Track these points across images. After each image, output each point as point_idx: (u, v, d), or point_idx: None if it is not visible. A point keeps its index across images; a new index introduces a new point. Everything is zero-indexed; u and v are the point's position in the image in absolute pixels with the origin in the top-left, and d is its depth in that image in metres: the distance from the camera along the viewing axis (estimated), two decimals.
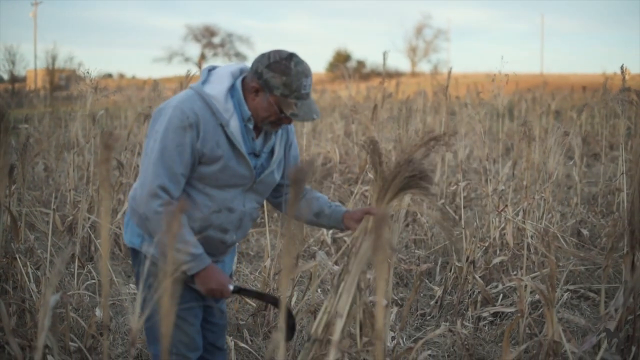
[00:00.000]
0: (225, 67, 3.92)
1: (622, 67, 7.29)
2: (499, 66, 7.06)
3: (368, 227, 3.69)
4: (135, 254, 4.00)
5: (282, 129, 4.04)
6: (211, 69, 3.92)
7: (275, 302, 4.08)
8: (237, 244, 4.38)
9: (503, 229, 7.29)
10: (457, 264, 6.82)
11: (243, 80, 3.87)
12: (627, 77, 7.62)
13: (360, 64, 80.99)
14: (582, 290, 6.84)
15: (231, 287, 3.80)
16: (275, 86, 3.71)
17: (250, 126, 3.84)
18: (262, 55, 3.80)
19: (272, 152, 4.00)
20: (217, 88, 3.78)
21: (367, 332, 4.53)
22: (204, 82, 3.83)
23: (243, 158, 3.80)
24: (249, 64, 3.94)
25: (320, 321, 3.57)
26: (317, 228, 8.65)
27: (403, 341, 5.83)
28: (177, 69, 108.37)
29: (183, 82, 8.11)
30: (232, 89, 3.82)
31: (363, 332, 4.26)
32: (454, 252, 7.09)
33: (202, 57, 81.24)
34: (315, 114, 3.80)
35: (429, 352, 5.31)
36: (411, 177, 3.75)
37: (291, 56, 3.76)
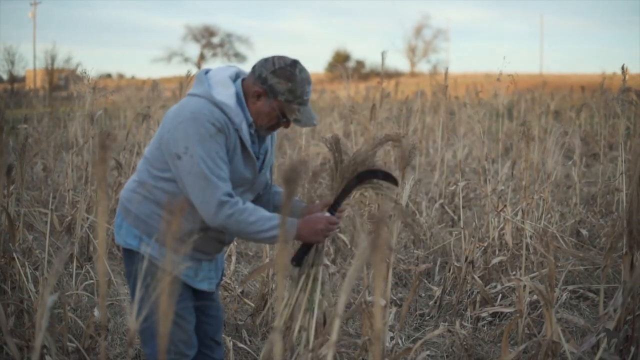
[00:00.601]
0: (221, 71, 3.97)
1: (622, 67, 7.29)
2: (501, 66, 7.06)
3: None
4: (131, 255, 4.02)
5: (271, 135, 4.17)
6: (207, 72, 3.97)
7: (387, 176, 4.05)
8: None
9: (502, 229, 7.28)
10: (456, 264, 6.82)
11: (242, 85, 3.93)
12: (627, 77, 7.62)
13: (360, 64, 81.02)
14: (581, 291, 6.84)
15: (326, 214, 3.88)
16: (280, 92, 3.81)
17: (252, 131, 3.93)
18: (266, 61, 3.88)
19: (265, 153, 4.10)
20: (226, 94, 3.85)
21: (365, 332, 4.53)
22: (210, 88, 3.85)
23: (252, 161, 3.92)
24: (245, 65, 3.99)
25: (282, 314, 3.59)
26: None
27: (402, 341, 5.83)
28: (177, 69, 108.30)
29: (182, 82, 8.11)
30: (237, 95, 3.89)
31: (362, 332, 4.27)
32: (452, 252, 7.09)
33: (202, 57, 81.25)
34: (314, 119, 3.94)
35: (428, 352, 5.30)
36: (366, 175, 3.90)
37: (295, 63, 3.87)
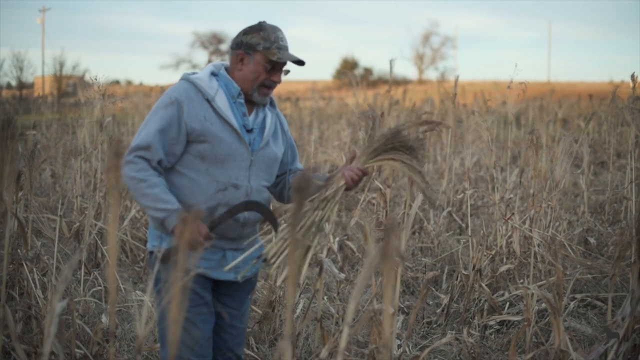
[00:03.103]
0: (212, 63, 4.24)
1: (632, 76, 7.28)
2: (511, 74, 7.05)
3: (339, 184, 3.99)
4: (152, 258, 4.15)
5: (272, 112, 4.27)
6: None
7: (253, 206, 4.06)
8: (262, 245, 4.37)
9: (510, 237, 7.27)
10: (463, 272, 6.81)
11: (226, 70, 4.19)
12: (637, 85, 7.62)
13: (368, 71, 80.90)
14: (589, 299, 6.83)
15: (205, 227, 3.84)
16: (256, 43, 4.05)
17: (241, 101, 4.10)
18: (236, 34, 4.16)
19: (263, 128, 4.19)
20: (201, 73, 4.11)
21: (373, 340, 4.53)
22: (188, 73, 4.16)
23: (234, 131, 4.01)
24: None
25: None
26: (323, 236, 8.64)
27: (409, 349, 5.83)
28: None
29: None
30: (215, 75, 4.13)
31: (370, 340, 4.26)
32: (460, 261, 7.08)
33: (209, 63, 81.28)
34: (297, 57, 4.13)
35: None
36: (396, 146, 3.91)
37: (260, 21, 4.15)
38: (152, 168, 3.87)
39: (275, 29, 4.10)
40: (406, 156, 3.93)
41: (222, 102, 4.01)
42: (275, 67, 4.08)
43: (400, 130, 3.91)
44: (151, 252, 4.10)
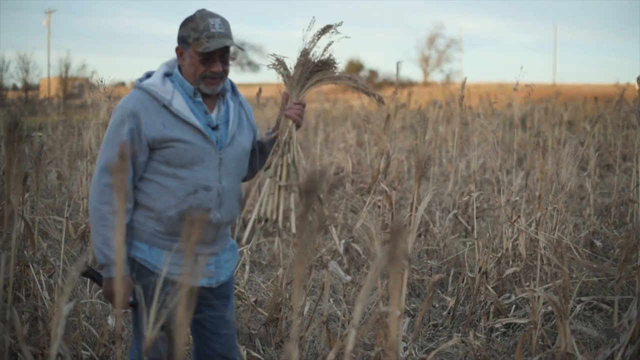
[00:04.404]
0: (163, 64, 4.07)
1: (638, 78, 7.27)
2: (517, 76, 7.05)
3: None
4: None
5: (234, 101, 4.16)
6: (149, 74, 4.07)
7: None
8: (237, 246, 4.38)
9: (516, 239, 7.26)
10: (469, 274, 6.81)
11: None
12: None
13: (373, 73, 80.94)
14: (595, 302, 6.82)
15: (130, 299, 3.85)
16: (187, 35, 3.91)
17: (199, 99, 3.96)
18: None
19: (227, 122, 4.07)
20: (153, 77, 3.94)
21: (380, 342, 4.53)
22: (141, 80, 3.99)
23: (198, 131, 3.89)
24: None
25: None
26: (329, 238, 8.65)
27: (415, 352, 5.82)
28: None
29: None
30: (168, 75, 3.98)
31: (376, 342, 4.26)
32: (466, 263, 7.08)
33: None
34: (227, 43, 3.90)
35: None
36: (315, 70, 4.02)
37: (198, 10, 3.98)
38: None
39: (205, 17, 3.90)
40: (329, 71, 4.07)
41: (180, 104, 3.88)
42: (210, 58, 3.90)
43: (307, 52, 4.01)
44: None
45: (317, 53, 4.10)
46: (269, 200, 3.88)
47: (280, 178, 3.95)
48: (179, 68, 4.00)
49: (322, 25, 4.24)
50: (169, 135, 3.81)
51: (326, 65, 4.12)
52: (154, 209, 3.88)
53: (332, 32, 4.25)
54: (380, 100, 4.37)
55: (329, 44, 4.11)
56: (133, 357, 4.14)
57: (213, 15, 3.93)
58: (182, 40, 3.92)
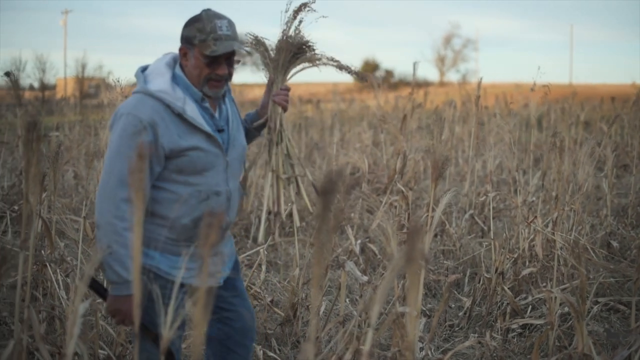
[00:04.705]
0: (158, 61, 3.95)
1: None
2: (534, 76, 7.02)
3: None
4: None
5: (228, 99, 4.13)
6: (144, 69, 3.94)
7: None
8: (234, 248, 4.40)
9: (532, 240, 7.24)
10: (485, 275, 6.80)
11: (181, 66, 3.92)
12: None
13: (389, 73, 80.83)
14: (612, 303, 6.79)
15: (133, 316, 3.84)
16: (192, 36, 3.80)
17: (206, 104, 3.89)
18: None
19: (228, 122, 4.04)
20: (161, 81, 3.80)
21: (396, 343, 4.52)
22: (145, 82, 3.83)
23: (210, 137, 3.84)
24: None
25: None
26: (345, 238, 8.65)
27: (431, 352, 5.81)
28: None
29: None
30: (174, 78, 3.86)
31: (392, 343, 4.26)
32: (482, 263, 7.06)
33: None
34: (235, 45, 3.81)
35: None
36: (297, 53, 4.06)
37: (204, 9, 3.88)
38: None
39: (212, 18, 3.81)
40: (311, 55, 4.13)
41: (192, 111, 3.80)
42: (216, 60, 3.83)
43: (289, 38, 4.06)
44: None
45: (299, 35, 4.15)
46: (269, 193, 3.93)
47: (274, 169, 4.01)
48: (181, 68, 3.92)
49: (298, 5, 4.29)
50: (184, 144, 3.75)
51: (307, 48, 4.18)
52: (165, 217, 3.83)
53: (308, 10, 4.30)
54: (363, 78, 4.46)
55: (300, 22, 4.15)
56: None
57: (220, 17, 3.85)
58: (187, 40, 3.83)
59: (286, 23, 4.44)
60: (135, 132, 3.65)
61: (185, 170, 3.80)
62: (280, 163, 3.95)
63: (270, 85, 4.20)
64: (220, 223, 2.40)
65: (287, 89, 4.24)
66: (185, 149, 3.75)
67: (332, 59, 4.46)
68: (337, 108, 24.45)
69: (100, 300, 3.98)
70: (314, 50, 4.51)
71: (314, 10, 4.57)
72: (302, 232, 9.37)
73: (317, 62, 4.30)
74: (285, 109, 4.27)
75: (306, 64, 4.59)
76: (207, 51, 3.77)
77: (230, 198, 3.99)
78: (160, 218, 3.83)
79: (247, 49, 3.98)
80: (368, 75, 4.28)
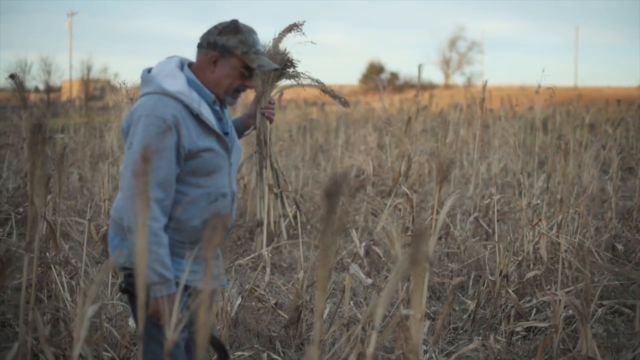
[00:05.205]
0: (165, 64, 3.94)
1: None
2: (538, 78, 7.02)
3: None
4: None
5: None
6: (149, 71, 3.93)
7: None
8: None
9: (537, 243, 7.24)
10: (490, 277, 6.79)
11: (191, 66, 3.95)
12: None
13: (394, 75, 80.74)
14: (617, 306, 6.79)
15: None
16: (233, 46, 3.84)
17: (217, 108, 3.95)
18: (207, 31, 3.92)
19: (229, 126, 4.11)
20: (177, 82, 3.82)
21: (400, 345, 4.52)
22: (159, 82, 3.82)
23: (221, 139, 3.89)
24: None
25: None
26: (349, 241, 8.65)
27: (436, 355, 5.81)
28: None
29: None
30: (188, 80, 3.88)
31: (396, 345, 4.25)
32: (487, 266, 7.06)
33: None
34: (275, 65, 3.69)
35: None
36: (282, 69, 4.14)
37: (235, 20, 3.92)
38: (162, 214, 3.71)
39: (251, 32, 3.91)
40: (298, 75, 4.22)
41: (207, 113, 3.85)
42: (251, 74, 3.93)
43: (278, 51, 4.11)
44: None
45: (287, 53, 4.23)
46: (261, 205, 3.96)
47: (269, 183, 4.07)
48: (192, 71, 3.93)
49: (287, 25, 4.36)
50: (200, 145, 3.78)
51: (292, 66, 4.28)
52: (176, 219, 3.82)
53: (298, 32, 4.38)
54: (345, 103, 4.59)
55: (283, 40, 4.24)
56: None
57: (255, 31, 3.95)
58: (226, 49, 3.84)
59: (275, 40, 4.56)
60: (159, 133, 3.65)
61: (197, 172, 3.82)
62: (270, 176, 4.09)
63: (258, 97, 4.29)
64: (226, 225, 2.40)
65: (273, 103, 4.33)
66: (201, 150, 3.78)
67: (317, 81, 4.58)
68: (342, 110, 24.43)
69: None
70: (296, 68, 4.65)
71: (303, 34, 4.66)
72: (306, 235, 9.39)
73: (304, 83, 4.44)
74: (271, 122, 4.37)
75: (293, 81, 4.71)
76: (253, 64, 3.86)
77: (233, 199, 4.04)
78: (168, 220, 3.83)
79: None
80: (348, 101, 4.36)
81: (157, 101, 3.73)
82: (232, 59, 3.85)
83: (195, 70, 3.92)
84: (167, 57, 4.01)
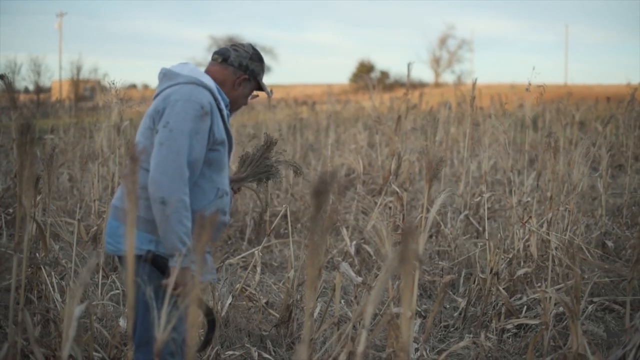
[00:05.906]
0: (186, 66, 4.17)
1: None
2: (528, 77, 7.02)
3: None
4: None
5: None
6: (168, 69, 4.17)
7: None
8: None
9: (527, 240, 7.25)
10: (480, 275, 6.80)
11: (212, 73, 4.24)
12: None
13: (384, 74, 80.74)
14: (607, 303, 6.80)
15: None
16: (258, 72, 4.31)
17: (228, 110, 4.26)
18: (236, 50, 4.28)
19: None
20: (207, 79, 4.09)
21: (391, 343, 4.53)
22: (193, 75, 4.06)
23: (230, 139, 4.17)
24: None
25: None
26: (340, 239, 8.65)
27: (426, 353, 5.81)
28: None
29: None
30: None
31: (387, 343, 4.25)
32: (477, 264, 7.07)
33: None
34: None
35: None
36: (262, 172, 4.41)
37: (254, 46, 4.34)
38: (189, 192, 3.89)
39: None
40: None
41: (226, 113, 4.16)
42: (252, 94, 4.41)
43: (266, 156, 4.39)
44: (141, 256, 3.92)
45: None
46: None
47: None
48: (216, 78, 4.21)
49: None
50: (220, 137, 4.01)
51: (270, 146, 4.71)
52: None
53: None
54: (298, 172, 4.93)
55: None
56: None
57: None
58: (254, 74, 4.27)
59: None
60: (197, 116, 3.87)
61: (213, 165, 4.01)
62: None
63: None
64: (223, 222, 2.45)
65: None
66: (220, 142, 4.01)
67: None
68: (332, 109, 24.40)
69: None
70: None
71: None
72: (297, 234, 9.38)
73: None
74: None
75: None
76: (268, 91, 4.40)
77: (231, 198, 4.25)
78: None
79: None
80: (301, 168, 4.46)
81: (194, 89, 3.96)
82: (253, 82, 4.28)
83: (215, 80, 4.19)
84: (181, 63, 4.21)
